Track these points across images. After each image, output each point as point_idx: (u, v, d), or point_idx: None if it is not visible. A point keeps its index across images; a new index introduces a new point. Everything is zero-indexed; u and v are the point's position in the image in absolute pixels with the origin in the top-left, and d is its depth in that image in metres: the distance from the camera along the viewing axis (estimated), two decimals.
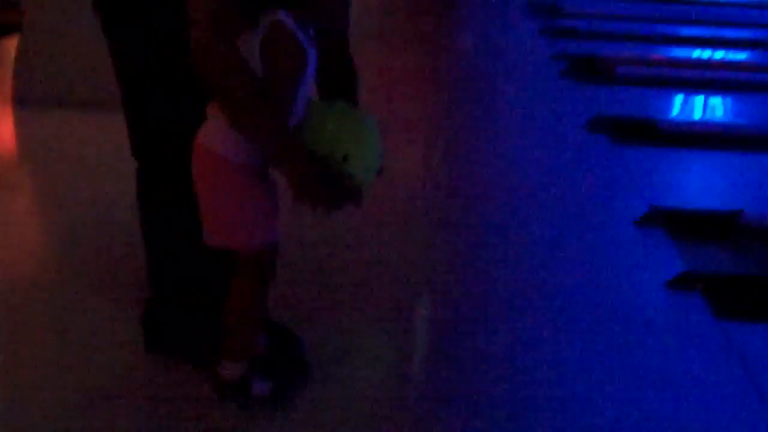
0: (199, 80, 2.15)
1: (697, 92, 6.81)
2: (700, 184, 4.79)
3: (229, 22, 2.15)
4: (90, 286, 3.20)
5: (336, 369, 2.76)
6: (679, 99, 6.67)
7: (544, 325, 3.12)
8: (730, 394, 2.79)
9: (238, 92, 2.14)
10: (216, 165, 2.29)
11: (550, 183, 4.55)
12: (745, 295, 3.45)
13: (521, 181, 4.58)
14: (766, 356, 3.02)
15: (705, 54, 8.55)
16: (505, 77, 7.08)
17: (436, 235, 3.83)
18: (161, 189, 2.47)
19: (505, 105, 6.19)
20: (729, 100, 6.71)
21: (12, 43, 6.21)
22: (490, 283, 3.41)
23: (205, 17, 2.13)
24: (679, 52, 8.44)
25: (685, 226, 4.03)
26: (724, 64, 8.18)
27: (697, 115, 6.43)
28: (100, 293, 3.14)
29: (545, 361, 2.89)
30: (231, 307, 2.45)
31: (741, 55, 8.50)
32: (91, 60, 5.32)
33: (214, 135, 2.29)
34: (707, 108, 6.58)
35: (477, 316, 3.16)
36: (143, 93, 2.47)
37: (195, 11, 2.14)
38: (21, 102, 5.41)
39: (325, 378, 2.72)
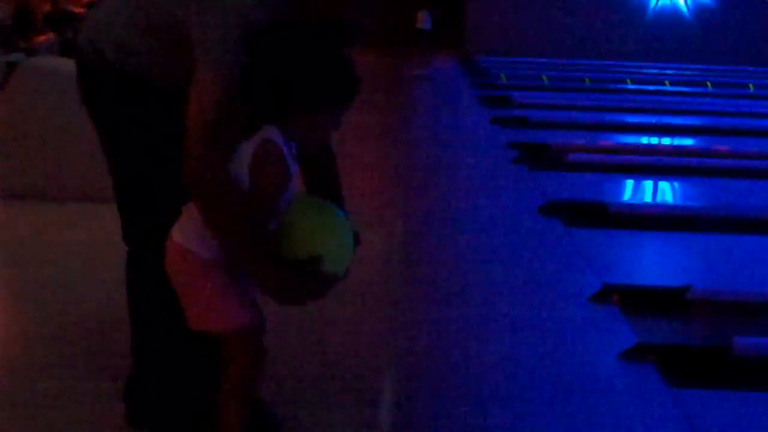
0: (185, 183, 2.32)
1: (645, 177, 7.11)
2: (650, 262, 5.02)
3: (224, 134, 2.33)
4: (70, 366, 3.31)
5: None
6: (628, 183, 6.95)
7: (505, 395, 3.28)
8: None
9: (223, 206, 2.31)
10: (189, 260, 2.45)
11: (507, 265, 4.74)
12: (694, 364, 3.63)
13: (479, 264, 4.77)
14: (715, 420, 3.19)
15: (652, 140, 8.91)
16: (460, 166, 7.33)
17: (402, 312, 4.00)
18: (149, 272, 2.60)
19: (460, 192, 6.41)
20: (675, 183, 7.01)
21: None
22: (453, 358, 3.57)
23: (200, 128, 2.30)
24: (627, 139, 8.78)
25: (636, 301, 4.23)
26: (670, 150, 8.54)
27: (646, 198, 6.72)
28: (82, 373, 3.25)
29: (505, 429, 3.04)
30: (223, 391, 2.55)
31: (686, 141, 8.86)
32: (66, 156, 5.52)
33: (189, 233, 2.45)
34: (655, 191, 6.87)
35: (440, 389, 3.31)
36: (133, 184, 2.63)
37: (191, 120, 2.31)
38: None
39: None
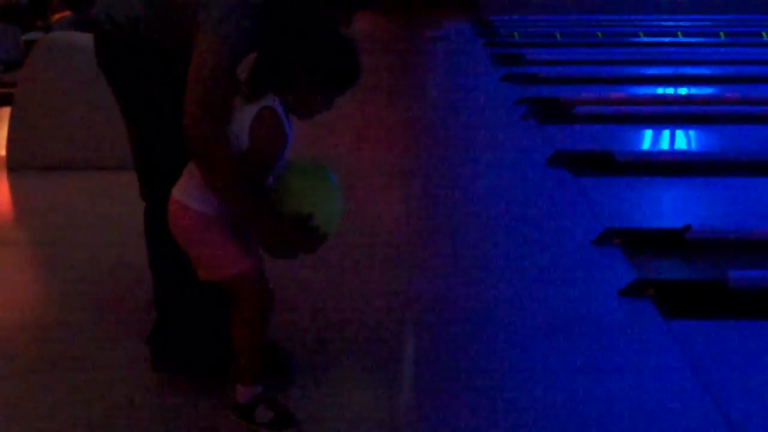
0: (184, 141, 2.50)
1: (653, 126, 7.23)
2: (653, 206, 5.16)
3: (222, 97, 2.51)
4: (95, 320, 3.52)
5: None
6: (636, 133, 7.07)
7: (513, 331, 3.47)
8: (676, 383, 3.11)
9: (218, 165, 2.50)
10: (189, 215, 2.64)
11: (515, 212, 4.92)
12: (691, 298, 3.79)
13: (489, 212, 4.95)
14: (710, 350, 3.35)
15: (661, 91, 8.99)
16: (472, 122, 7.47)
17: (416, 261, 4.19)
18: (165, 224, 2.79)
19: (472, 147, 6.55)
20: (682, 131, 7.13)
21: (3, 114, 6.57)
22: (461, 301, 3.76)
23: (199, 90, 2.47)
24: (638, 90, 8.87)
25: (638, 243, 4.38)
26: (679, 99, 8.62)
27: (653, 146, 6.83)
28: (107, 326, 3.46)
29: (513, 365, 3.23)
30: (235, 336, 2.75)
31: (696, 90, 8.94)
32: (84, 127, 5.71)
33: (188, 190, 2.65)
34: (662, 139, 6.99)
35: (449, 330, 3.50)
36: (148, 144, 2.84)
37: (191, 81, 2.49)
38: (13, 169, 5.73)
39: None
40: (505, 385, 3.08)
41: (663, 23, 16.14)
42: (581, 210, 4.93)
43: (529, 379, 3.12)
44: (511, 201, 5.14)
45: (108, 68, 2.88)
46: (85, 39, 6.15)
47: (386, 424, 2.88)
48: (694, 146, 6.87)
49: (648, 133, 7.10)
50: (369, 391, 3.12)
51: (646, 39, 13.76)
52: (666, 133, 7.13)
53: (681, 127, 7.20)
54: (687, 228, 4.42)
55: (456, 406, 2.93)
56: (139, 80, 2.82)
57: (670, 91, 9.01)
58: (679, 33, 14.34)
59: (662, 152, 6.54)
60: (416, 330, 3.53)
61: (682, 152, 6.57)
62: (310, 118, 2.68)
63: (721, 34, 14.29)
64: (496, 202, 5.12)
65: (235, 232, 2.67)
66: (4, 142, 5.92)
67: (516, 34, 14.33)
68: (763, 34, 14.00)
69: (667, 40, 13.62)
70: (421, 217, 4.94)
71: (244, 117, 2.56)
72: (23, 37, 9.99)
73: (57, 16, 9.87)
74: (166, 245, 2.81)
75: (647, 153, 6.46)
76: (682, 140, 7.00)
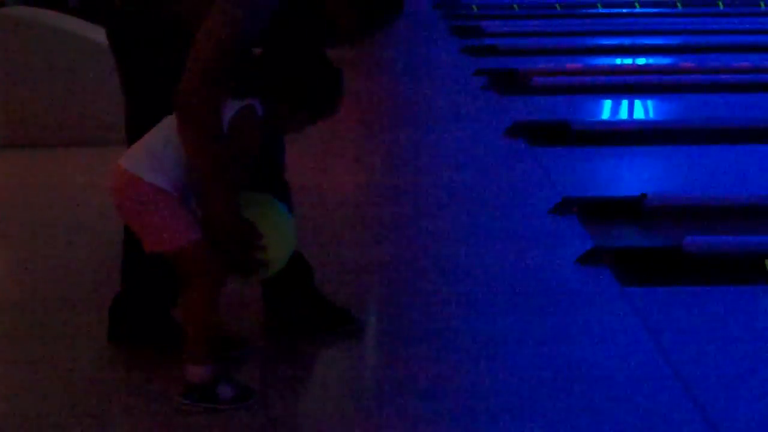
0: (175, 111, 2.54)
1: (610, 96, 7.27)
2: (610, 175, 5.21)
3: (223, 76, 2.54)
4: (60, 295, 3.52)
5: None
6: (593, 103, 7.11)
7: (473, 299, 3.51)
8: (633, 349, 3.14)
9: (206, 135, 2.54)
10: (140, 187, 2.63)
11: (473, 182, 4.95)
12: (648, 265, 3.84)
13: (447, 182, 4.98)
14: (665, 314, 3.40)
15: (618, 61, 9.04)
16: (431, 94, 7.49)
17: (377, 231, 4.25)
18: None
19: (431, 118, 6.58)
20: (638, 101, 7.18)
21: None
22: (425, 267, 3.81)
23: (200, 64, 2.51)
24: (595, 61, 8.92)
25: (595, 211, 4.41)
26: (636, 69, 8.68)
27: (609, 116, 6.88)
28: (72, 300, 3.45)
29: (472, 332, 3.25)
30: (186, 312, 2.71)
31: (652, 60, 9.00)
32: (38, 104, 5.65)
33: (142, 162, 2.64)
34: (615, 109, 7.04)
35: (414, 295, 3.55)
36: (144, 119, 2.81)
37: (195, 54, 2.52)
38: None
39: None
40: (465, 351, 3.10)
41: None
42: (538, 180, 4.96)
43: (488, 345, 3.14)
44: (469, 171, 5.16)
45: (117, 43, 2.88)
46: (41, 14, 6.15)
47: (350, 388, 2.90)
48: (651, 116, 6.92)
49: (605, 104, 7.14)
50: (332, 356, 3.15)
51: (603, 10, 13.79)
52: (623, 103, 7.18)
53: (638, 97, 7.25)
54: (643, 196, 4.45)
55: (418, 371, 2.95)
56: (148, 57, 2.83)
57: (627, 61, 9.06)
58: (636, 4, 14.41)
59: (619, 122, 6.59)
60: (376, 296, 3.57)
61: (639, 121, 6.62)
62: (281, 133, 2.81)
63: (678, 4, 14.37)
64: (454, 173, 5.14)
65: (184, 206, 2.66)
66: None
67: (474, 6, 14.32)
68: (719, 3, 14.09)
69: (624, 11, 13.67)
70: (380, 185, 4.97)
71: (226, 111, 2.60)
72: None
73: None
74: None
75: (604, 122, 6.50)
76: (640, 110, 7.05)
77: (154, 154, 2.64)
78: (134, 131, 2.88)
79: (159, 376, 2.89)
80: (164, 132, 2.68)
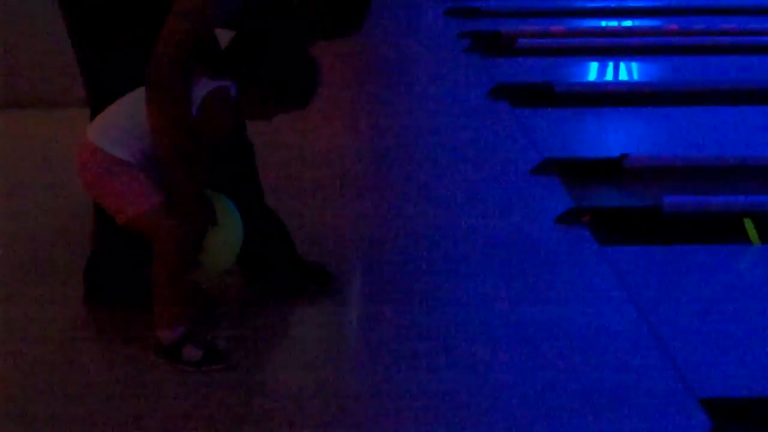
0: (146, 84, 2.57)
1: (594, 58, 7.24)
2: (592, 136, 5.21)
3: (190, 61, 2.58)
4: (32, 256, 3.51)
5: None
6: (576, 65, 7.08)
7: (453, 258, 3.53)
8: (612, 307, 3.16)
9: (169, 114, 2.57)
10: (100, 158, 2.66)
11: (454, 143, 4.94)
12: (627, 224, 3.85)
13: (430, 144, 4.98)
14: (643, 273, 3.42)
15: (598, 23, 9.01)
16: (415, 56, 7.45)
17: (360, 192, 4.27)
18: None
19: (415, 80, 6.55)
20: (622, 63, 7.16)
21: None
22: (407, 226, 3.82)
23: (174, 36, 2.55)
24: (580, 23, 8.88)
25: (576, 172, 4.41)
26: (619, 31, 8.64)
27: (590, 77, 6.87)
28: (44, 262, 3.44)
29: (451, 290, 3.28)
30: (153, 276, 2.72)
31: (636, 23, 8.96)
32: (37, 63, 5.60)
33: (105, 133, 2.67)
34: (599, 71, 7.02)
35: (396, 253, 3.57)
36: (105, 90, 2.82)
37: (170, 25, 2.56)
38: None
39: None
40: (441, 311, 3.12)
41: None
42: (520, 141, 4.95)
43: (465, 304, 3.16)
44: (452, 133, 5.14)
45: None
46: None
47: (326, 349, 2.94)
48: (634, 77, 6.90)
49: (589, 65, 7.12)
50: (308, 315, 3.19)
51: None
52: (608, 65, 7.15)
53: (622, 59, 7.22)
54: (624, 157, 4.45)
55: (393, 331, 2.97)
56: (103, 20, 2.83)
57: (612, 23, 9.03)
58: None
59: (602, 83, 6.57)
60: (353, 255, 3.59)
61: (622, 83, 6.60)
62: (249, 119, 2.82)
63: None
64: (436, 134, 5.13)
65: (144, 175, 2.67)
66: None
67: None
68: None
69: None
70: (361, 146, 4.96)
71: (200, 89, 2.63)
72: None
73: None
74: None
75: (587, 84, 6.48)
76: (623, 72, 7.03)
77: (117, 126, 2.68)
78: (89, 90, 2.92)
79: (134, 338, 2.90)
80: (130, 104, 2.70)
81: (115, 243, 2.98)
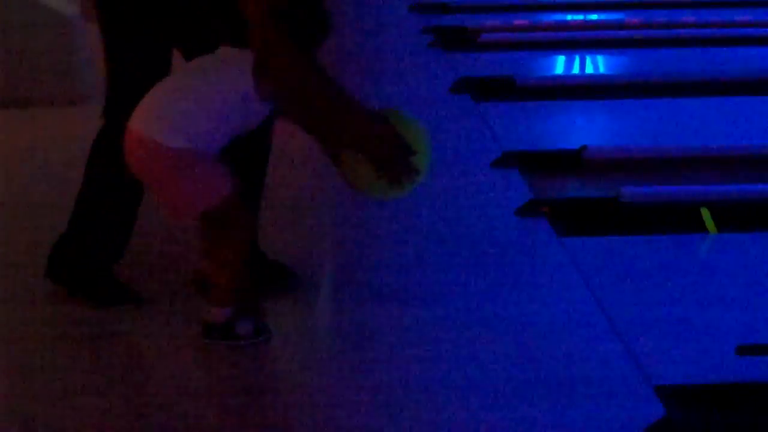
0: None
1: (557, 51, 7.28)
2: (552, 129, 5.23)
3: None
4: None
5: None
6: (539, 58, 7.12)
7: (413, 252, 3.55)
8: (570, 299, 3.19)
9: (309, 80, 2.69)
10: (159, 154, 2.60)
11: None
12: (586, 215, 3.88)
13: None
14: (601, 263, 3.45)
15: (562, 17, 9.05)
16: (379, 51, 7.46)
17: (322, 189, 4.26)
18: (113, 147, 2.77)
19: (379, 75, 6.56)
20: (584, 56, 7.20)
21: None
22: (369, 218, 3.83)
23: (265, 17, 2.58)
24: (544, 18, 8.92)
25: (536, 164, 4.44)
26: (576, 25, 8.68)
27: (552, 71, 6.90)
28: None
29: (411, 282, 3.31)
30: (216, 259, 2.76)
31: (590, 16, 9.02)
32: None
33: (162, 125, 2.60)
34: (561, 65, 7.06)
35: (354, 246, 3.60)
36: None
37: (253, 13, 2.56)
38: None
39: None
40: (400, 304, 3.13)
41: None
42: (481, 135, 4.97)
43: (423, 297, 3.17)
44: None
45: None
46: None
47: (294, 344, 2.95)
48: (596, 70, 6.94)
49: (551, 59, 7.15)
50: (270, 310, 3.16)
51: None
52: (570, 58, 7.19)
53: (585, 52, 7.27)
54: (583, 148, 4.49)
55: (351, 325, 3.00)
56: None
57: (577, 17, 9.07)
58: None
59: (564, 76, 6.61)
60: (309, 246, 3.62)
61: (584, 76, 6.65)
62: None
63: None
64: None
65: (211, 161, 2.65)
66: None
67: None
68: None
69: None
70: None
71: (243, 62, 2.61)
72: None
73: None
74: (103, 162, 2.90)
75: (548, 77, 6.51)
76: (586, 65, 7.07)
77: (174, 111, 2.62)
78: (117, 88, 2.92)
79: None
80: (184, 83, 2.69)
81: (88, 231, 2.99)
